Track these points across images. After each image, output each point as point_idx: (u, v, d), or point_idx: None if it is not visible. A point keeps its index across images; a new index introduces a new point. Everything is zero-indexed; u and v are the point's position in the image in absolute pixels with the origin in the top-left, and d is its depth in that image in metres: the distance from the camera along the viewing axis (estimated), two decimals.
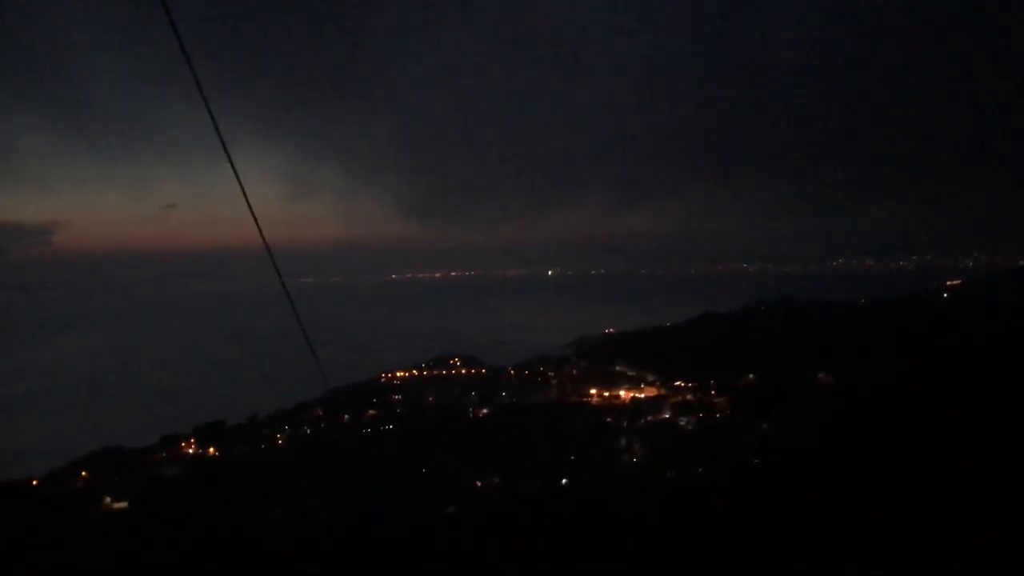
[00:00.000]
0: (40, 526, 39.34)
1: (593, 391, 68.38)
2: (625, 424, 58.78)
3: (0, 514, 39.43)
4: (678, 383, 68.29)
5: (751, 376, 67.10)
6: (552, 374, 75.95)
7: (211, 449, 58.60)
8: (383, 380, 79.82)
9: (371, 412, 64.67)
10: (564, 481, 46.87)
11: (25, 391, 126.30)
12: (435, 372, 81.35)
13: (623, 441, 54.67)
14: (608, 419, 60.37)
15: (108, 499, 46.90)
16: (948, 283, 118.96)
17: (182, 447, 58.94)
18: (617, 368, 76.01)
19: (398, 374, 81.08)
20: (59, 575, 26.33)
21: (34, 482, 50.65)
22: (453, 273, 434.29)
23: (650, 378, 70.77)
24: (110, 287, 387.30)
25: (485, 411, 64.26)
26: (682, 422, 58.24)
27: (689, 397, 64.68)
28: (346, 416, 62.88)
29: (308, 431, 61.42)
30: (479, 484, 47.56)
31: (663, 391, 67.36)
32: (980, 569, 8.31)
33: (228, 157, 5.60)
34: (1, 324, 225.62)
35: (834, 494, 15.25)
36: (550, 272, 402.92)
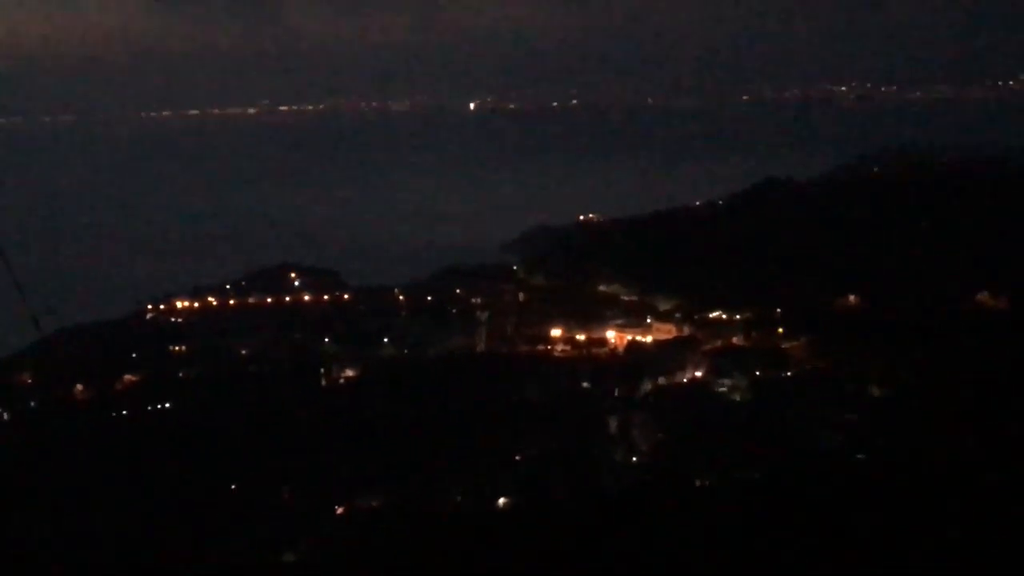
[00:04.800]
0: None
1: (557, 331, 67.50)
2: (618, 392, 58.63)
3: None
4: (716, 313, 67.46)
5: (852, 298, 66.06)
6: (479, 300, 73.47)
7: None
8: (151, 315, 75.77)
9: (129, 378, 61.79)
10: (502, 501, 47.54)
11: None
12: (252, 300, 77.46)
13: (613, 423, 54.64)
14: (585, 384, 59.99)
15: None
16: None
17: None
18: (602, 287, 75.53)
19: (179, 304, 76.81)
20: None
21: None
22: (283, 107, 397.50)
23: (664, 305, 70.00)
24: None
25: (351, 373, 62.95)
26: (724, 386, 58.21)
27: (736, 339, 64.19)
28: (79, 387, 60.70)
29: (3, 415, 58.96)
30: (340, 511, 47.79)
31: (688, 329, 66.04)
32: None
33: None
34: None
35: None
36: (472, 104, 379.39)
